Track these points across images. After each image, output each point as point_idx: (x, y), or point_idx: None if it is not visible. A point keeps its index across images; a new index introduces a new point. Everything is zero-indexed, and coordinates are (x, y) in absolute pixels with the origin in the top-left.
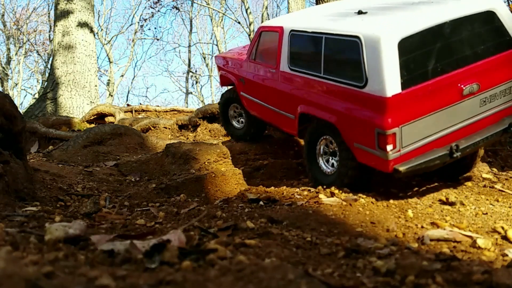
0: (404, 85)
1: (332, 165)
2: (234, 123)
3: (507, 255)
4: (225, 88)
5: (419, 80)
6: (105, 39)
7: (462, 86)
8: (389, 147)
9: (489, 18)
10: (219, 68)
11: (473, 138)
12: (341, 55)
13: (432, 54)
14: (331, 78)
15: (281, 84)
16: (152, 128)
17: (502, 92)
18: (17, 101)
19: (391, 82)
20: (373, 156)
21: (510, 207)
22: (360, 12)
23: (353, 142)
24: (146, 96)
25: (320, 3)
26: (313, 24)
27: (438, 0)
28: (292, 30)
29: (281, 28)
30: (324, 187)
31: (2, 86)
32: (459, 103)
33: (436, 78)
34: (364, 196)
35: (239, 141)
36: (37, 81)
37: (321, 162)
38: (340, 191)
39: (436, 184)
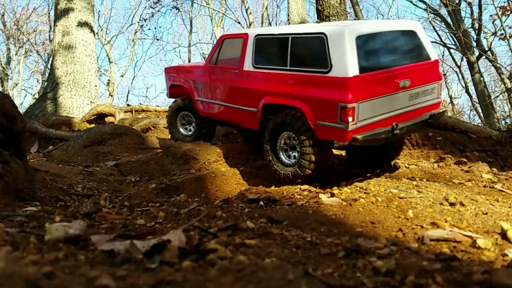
0: (361, 70)
1: (294, 157)
2: (182, 130)
3: (507, 255)
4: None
5: (370, 69)
6: (105, 39)
7: (398, 80)
8: (350, 119)
9: (413, 35)
10: (169, 79)
11: (407, 123)
12: (308, 50)
13: (378, 51)
14: (298, 69)
15: (244, 82)
16: (152, 128)
17: (423, 92)
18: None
19: (351, 66)
20: (335, 129)
21: (510, 207)
22: (317, 21)
23: (316, 121)
24: (146, 96)
25: (320, 3)
26: (278, 30)
27: (378, 20)
28: (257, 35)
29: (246, 34)
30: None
31: (2, 86)
32: (397, 93)
33: (382, 70)
34: (364, 196)
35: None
36: (37, 81)
37: (282, 155)
38: (340, 191)
39: (436, 184)
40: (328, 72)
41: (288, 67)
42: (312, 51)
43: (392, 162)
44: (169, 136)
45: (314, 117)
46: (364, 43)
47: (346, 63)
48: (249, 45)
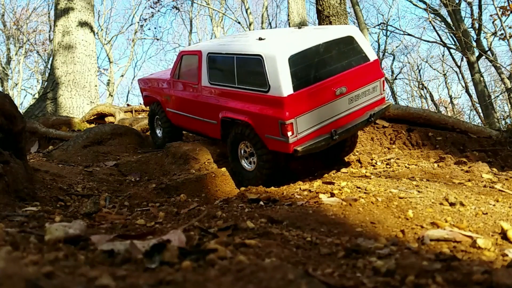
0: (295, 88)
1: (253, 163)
2: (158, 132)
3: (507, 255)
4: None
5: (305, 85)
6: (105, 39)
7: (335, 89)
8: (289, 133)
9: (350, 41)
10: (142, 90)
11: (347, 126)
12: (250, 69)
13: (313, 66)
14: (244, 88)
15: (204, 97)
16: None
17: (363, 93)
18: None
19: (285, 86)
20: (279, 142)
21: (510, 207)
22: (260, 39)
23: (264, 134)
24: None
25: (320, 3)
26: (225, 47)
27: (315, 29)
28: (209, 53)
29: (200, 51)
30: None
31: (2, 86)
32: (334, 101)
33: (317, 83)
34: (364, 196)
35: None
36: (37, 81)
37: (243, 162)
38: (340, 191)
39: (436, 184)
40: (267, 91)
41: (236, 85)
42: (253, 71)
43: (347, 157)
44: None
45: (262, 130)
46: (298, 61)
47: (281, 83)
48: (203, 62)
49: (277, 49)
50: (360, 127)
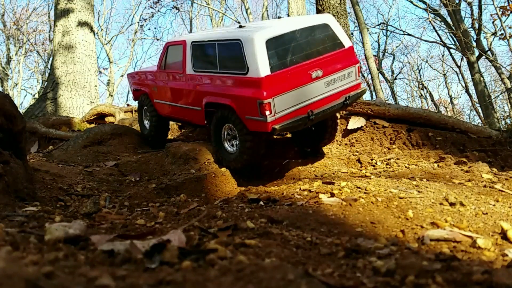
0: (272, 69)
1: (236, 145)
2: (146, 123)
3: (507, 255)
4: None
5: (282, 67)
6: (105, 39)
7: (311, 72)
8: (267, 113)
9: (325, 28)
10: (132, 84)
11: (323, 108)
12: (230, 54)
13: (289, 50)
14: (225, 72)
15: (188, 84)
16: None
17: (339, 78)
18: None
19: (263, 67)
20: (258, 122)
21: (510, 207)
22: (240, 26)
23: (245, 116)
24: None
25: (320, 3)
26: (208, 36)
27: (293, 17)
28: (193, 42)
29: (184, 41)
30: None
31: (2, 86)
32: (311, 84)
33: (293, 66)
34: (364, 196)
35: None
36: (37, 81)
37: (226, 145)
38: (340, 191)
39: (436, 184)
40: (246, 73)
41: (218, 70)
42: (233, 55)
43: (326, 146)
44: (170, 136)
45: (243, 112)
46: (274, 44)
47: (258, 65)
48: (187, 51)
49: (255, 33)
50: (336, 109)
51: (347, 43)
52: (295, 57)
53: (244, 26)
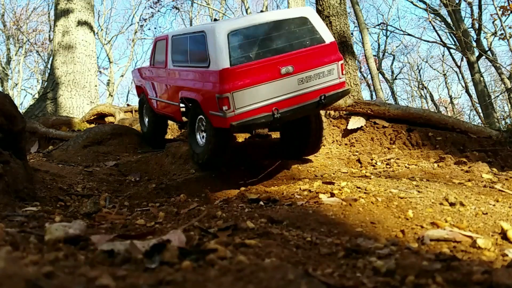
0: (232, 63)
1: (204, 138)
2: (146, 121)
3: (507, 255)
4: None
5: (245, 61)
6: (105, 39)
7: (280, 67)
8: (225, 108)
9: (304, 22)
10: (136, 81)
11: (293, 107)
12: (196, 47)
13: (256, 43)
14: (193, 65)
15: (169, 79)
16: None
17: (316, 75)
18: (17, 101)
19: (222, 60)
20: (219, 117)
21: (510, 207)
22: (215, 20)
23: (208, 111)
24: None
25: (320, 3)
26: (185, 29)
27: (273, 11)
28: (173, 36)
29: (167, 35)
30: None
31: (2, 86)
32: (279, 80)
33: (259, 60)
34: (364, 196)
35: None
36: (37, 81)
37: (198, 136)
38: (340, 191)
39: (436, 184)
40: (208, 66)
41: (189, 64)
42: (199, 48)
43: (312, 154)
44: (169, 136)
45: (207, 107)
46: (238, 37)
47: (217, 57)
48: (169, 45)
49: (218, 25)
50: (309, 109)
51: (328, 38)
52: (262, 51)
53: (218, 20)
